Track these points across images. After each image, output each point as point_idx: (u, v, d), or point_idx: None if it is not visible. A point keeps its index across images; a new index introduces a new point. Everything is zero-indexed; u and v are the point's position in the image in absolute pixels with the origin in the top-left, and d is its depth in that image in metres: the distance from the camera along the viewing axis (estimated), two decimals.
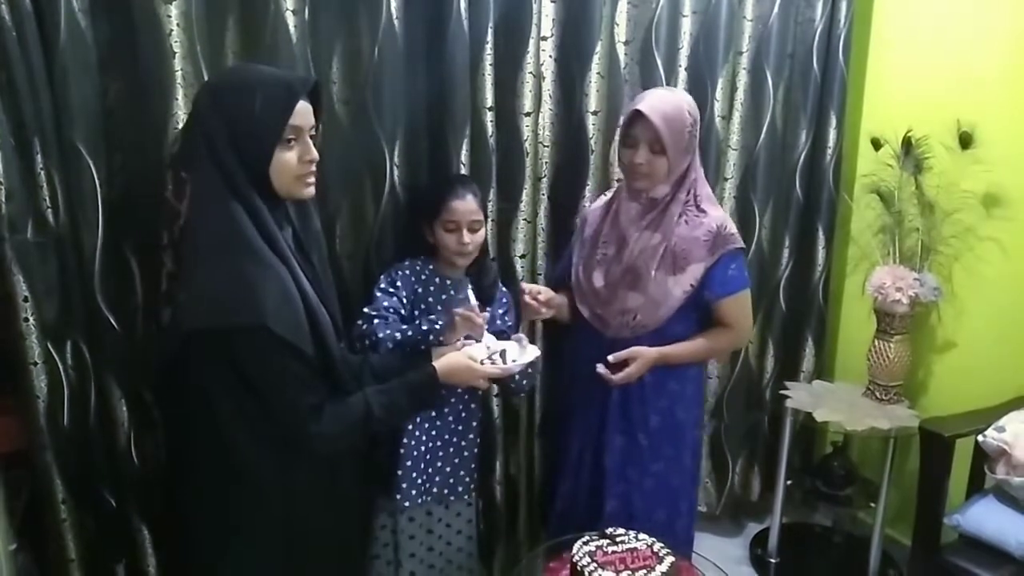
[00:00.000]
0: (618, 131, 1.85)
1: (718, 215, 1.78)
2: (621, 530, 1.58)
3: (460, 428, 1.83)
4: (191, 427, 1.33)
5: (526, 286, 1.81)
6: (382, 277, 1.78)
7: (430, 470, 1.80)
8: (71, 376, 1.52)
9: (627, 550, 1.53)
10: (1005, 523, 1.83)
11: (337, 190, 1.82)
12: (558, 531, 1.86)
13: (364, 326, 1.69)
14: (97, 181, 1.50)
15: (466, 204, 1.73)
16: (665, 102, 1.70)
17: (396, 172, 1.84)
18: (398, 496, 1.77)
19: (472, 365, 1.50)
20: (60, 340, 1.50)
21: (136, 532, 1.67)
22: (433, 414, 1.78)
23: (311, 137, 1.29)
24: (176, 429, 1.48)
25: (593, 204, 1.98)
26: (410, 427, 1.76)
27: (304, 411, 1.27)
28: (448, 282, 1.80)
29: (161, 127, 1.52)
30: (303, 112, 1.25)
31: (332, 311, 1.37)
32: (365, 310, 1.72)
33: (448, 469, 1.83)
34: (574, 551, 1.53)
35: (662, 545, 1.54)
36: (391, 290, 1.76)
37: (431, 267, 1.81)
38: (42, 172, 1.44)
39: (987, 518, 1.87)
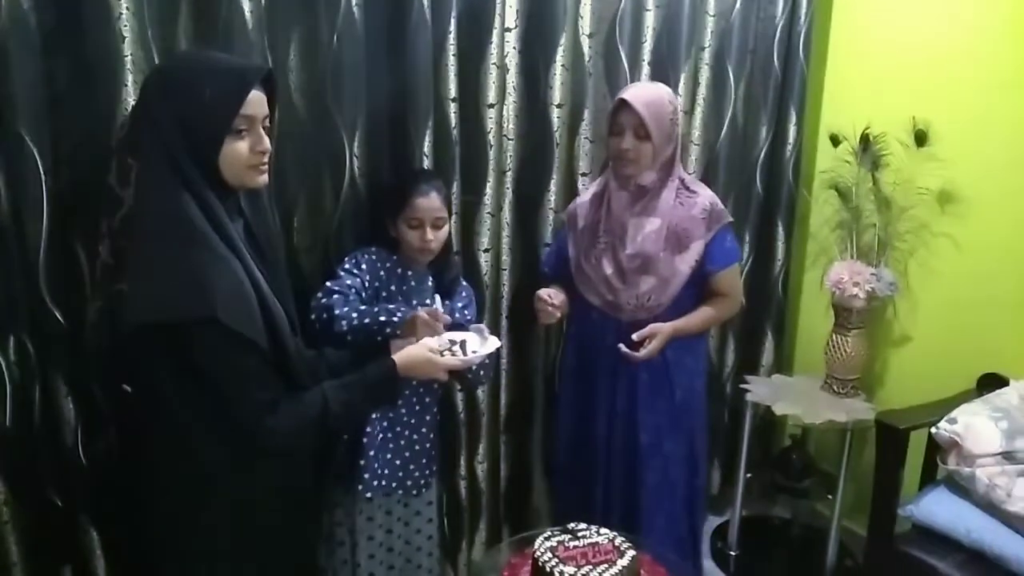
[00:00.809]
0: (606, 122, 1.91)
1: (708, 193, 1.93)
2: (583, 525, 1.58)
3: (413, 421, 1.81)
4: (144, 422, 1.29)
5: (543, 293, 1.86)
6: (347, 257, 1.76)
7: (377, 463, 1.77)
8: (14, 373, 1.46)
9: (588, 545, 1.53)
10: (956, 513, 1.88)
11: (295, 182, 1.78)
12: (600, 519, 1.88)
13: (323, 299, 1.66)
14: (42, 170, 1.44)
15: (430, 201, 1.71)
16: (646, 91, 1.85)
17: (356, 163, 1.81)
18: (360, 487, 1.75)
19: (432, 358, 1.47)
20: (2, 336, 1.44)
21: (84, 533, 1.61)
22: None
23: (266, 127, 1.25)
24: (128, 424, 1.43)
25: (580, 198, 2.03)
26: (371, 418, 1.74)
27: (259, 407, 1.24)
28: (410, 273, 1.79)
29: (110, 114, 1.46)
30: (256, 101, 1.22)
31: (287, 305, 1.34)
32: (327, 284, 1.70)
33: (398, 462, 1.80)
34: (536, 546, 1.52)
35: (623, 539, 1.54)
36: (355, 271, 1.73)
37: (395, 257, 1.79)
38: None
39: (939, 508, 1.91)
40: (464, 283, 1.90)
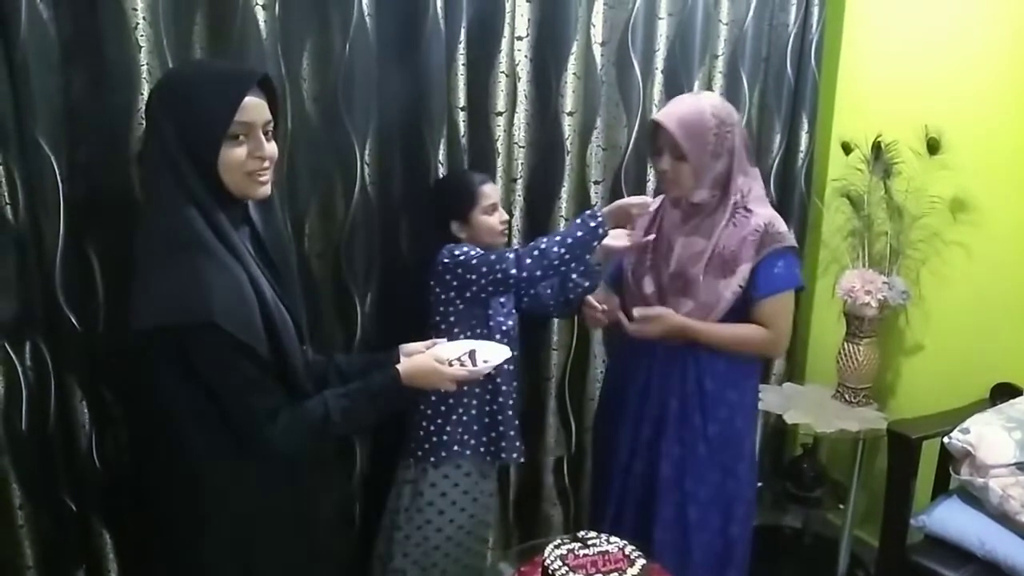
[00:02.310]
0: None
1: (766, 213, 1.73)
2: (592, 533, 1.58)
3: (505, 388, 1.85)
4: (151, 427, 1.30)
5: (591, 298, 1.83)
6: (458, 249, 1.75)
7: (467, 434, 1.83)
8: (30, 377, 1.48)
9: (598, 553, 1.52)
10: (969, 523, 1.86)
11: (306, 188, 1.80)
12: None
13: (518, 250, 1.72)
14: (59, 177, 1.46)
15: (494, 188, 1.85)
16: (683, 107, 1.70)
17: (367, 170, 1.83)
18: (506, 454, 1.84)
19: (438, 367, 1.45)
20: (19, 340, 1.46)
21: (97, 536, 1.63)
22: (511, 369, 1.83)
23: (269, 133, 1.25)
24: (138, 429, 1.44)
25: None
26: (504, 387, 1.83)
27: (258, 414, 1.24)
28: None
29: (126, 122, 1.48)
30: (253, 107, 1.20)
31: (295, 313, 1.34)
32: (509, 253, 1.71)
33: (493, 433, 1.85)
34: (546, 555, 1.52)
35: (633, 548, 1.54)
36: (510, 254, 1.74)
37: None
38: (1, 168, 1.40)
39: (952, 518, 1.90)
40: None
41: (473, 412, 1.83)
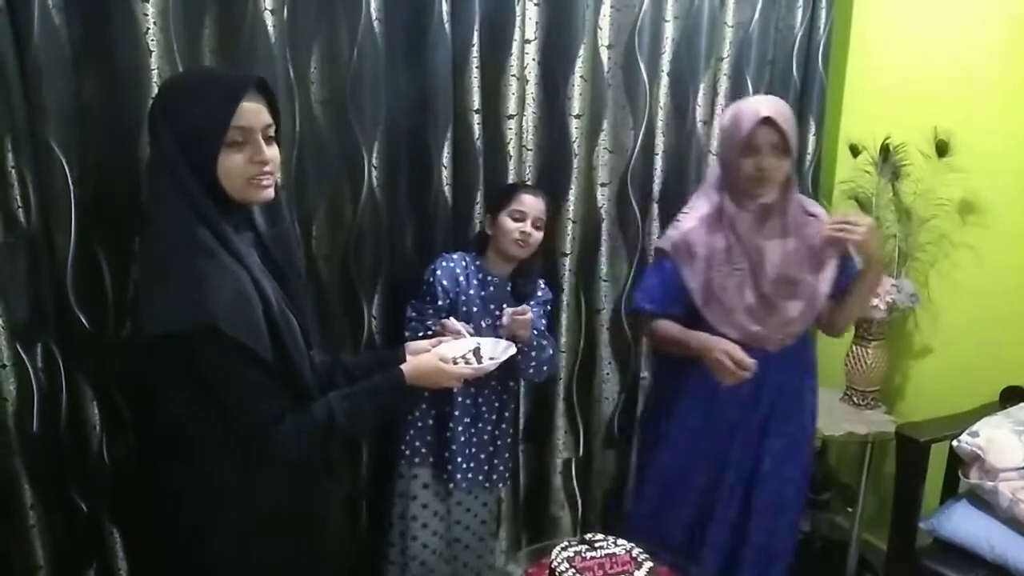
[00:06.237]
0: (730, 142, 1.77)
1: (821, 210, 1.86)
2: (600, 536, 1.58)
3: (495, 416, 1.90)
4: (160, 429, 1.31)
5: (735, 353, 1.68)
6: (428, 271, 1.83)
7: (460, 457, 1.85)
8: (41, 378, 1.49)
9: (606, 555, 1.53)
10: (978, 527, 1.86)
11: (314, 191, 1.81)
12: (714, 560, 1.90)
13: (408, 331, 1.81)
14: (70, 180, 1.47)
15: (536, 200, 1.82)
16: (778, 105, 1.74)
17: (374, 173, 1.84)
18: (445, 477, 1.86)
19: (442, 367, 1.44)
20: (30, 341, 1.47)
21: (107, 535, 1.64)
22: (467, 400, 1.85)
23: (271, 137, 1.24)
24: (146, 431, 1.45)
25: (684, 225, 1.82)
26: (456, 412, 1.84)
27: (263, 418, 1.24)
28: (490, 278, 1.86)
29: (136, 126, 1.49)
30: (251, 112, 1.20)
31: (302, 317, 1.34)
32: (411, 315, 1.83)
33: (484, 455, 1.90)
34: (553, 556, 1.52)
35: (640, 551, 1.54)
36: (431, 279, 1.82)
37: (477, 263, 1.86)
38: (13, 171, 1.41)
39: (961, 522, 1.90)
40: (544, 288, 1.96)
41: (419, 425, 1.87)
